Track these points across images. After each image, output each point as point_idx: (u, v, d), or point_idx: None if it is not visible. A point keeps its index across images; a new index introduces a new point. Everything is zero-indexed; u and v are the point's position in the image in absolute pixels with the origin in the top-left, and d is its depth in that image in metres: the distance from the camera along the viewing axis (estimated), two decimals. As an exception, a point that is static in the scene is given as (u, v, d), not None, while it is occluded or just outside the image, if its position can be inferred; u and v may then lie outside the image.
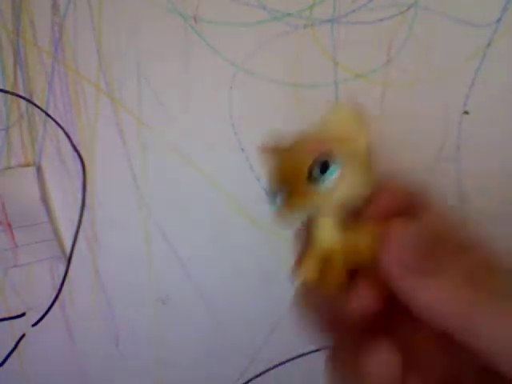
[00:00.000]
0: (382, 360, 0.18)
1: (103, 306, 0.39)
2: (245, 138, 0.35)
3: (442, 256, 0.18)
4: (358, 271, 0.20)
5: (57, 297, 0.39)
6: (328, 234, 0.21)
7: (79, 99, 0.36)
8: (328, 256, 0.21)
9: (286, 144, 0.22)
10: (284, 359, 0.39)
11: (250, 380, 0.40)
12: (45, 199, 0.37)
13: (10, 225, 0.37)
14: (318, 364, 0.39)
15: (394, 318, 0.20)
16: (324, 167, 0.20)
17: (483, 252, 0.19)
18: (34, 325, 0.40)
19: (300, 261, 0.21)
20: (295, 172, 0.20)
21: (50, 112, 0.36)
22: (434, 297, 0.18)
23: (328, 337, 0.22)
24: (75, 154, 0.37)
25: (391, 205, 0.21)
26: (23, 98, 0.36)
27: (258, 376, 0.40)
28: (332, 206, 0.20)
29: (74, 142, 0.36)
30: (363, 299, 0.19)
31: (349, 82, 0.33)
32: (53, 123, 0.36)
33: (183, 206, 0.37)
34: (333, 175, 0.20)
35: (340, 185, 0.20)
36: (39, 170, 0.37)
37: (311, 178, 0.20)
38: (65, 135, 0.36)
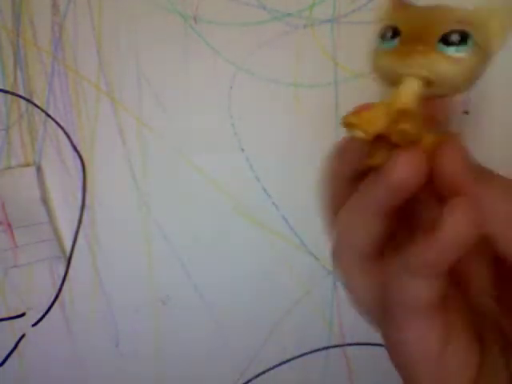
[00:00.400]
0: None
1: (103, 306, 0.39)
2: (245, 138, 0.35)
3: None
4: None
5: (57, 297, 0.39)
6: (412, 94, 0.19)
7: (79, 99, 0.36)
8: (403, 112, 0.19)
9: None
10: (284, 359, 0.39)
11: (250, 380, 0.40)
12: (45, 199, 0.37)
13: (10, 225, 0.37)
14: (317, 364, 0.39)
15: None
16: (462, 38, 0.18)
17: None
18: (34, 325, 0.40)
19: (367, 110, 0.19)
20: (426, 27, 0.18)
21: (50, 112, 0.36)
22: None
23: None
24: (75, 154, 0.37)
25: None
26: (23, 98, 0.36)
27: (257, 376, 0.40)
28: (448, 76, 0.18)
29: (74, 142, 0.36)
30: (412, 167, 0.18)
31: (349, 82, 0.33)
32: (53, 123, 0.36)
33: (183, 206, 0.37)
34: (467, 49, 0.18)
35: (466, 64, 0.18)
36: (39, 170, 0.37)
37: (445, 41, 0.18)
38: (65, 135, 0.36)
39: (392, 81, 0.20)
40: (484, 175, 0.19)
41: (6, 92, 0.36)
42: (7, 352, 0.40)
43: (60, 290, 0.39)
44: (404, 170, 0.18)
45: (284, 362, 0.39)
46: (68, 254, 0.38)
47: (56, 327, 0.40)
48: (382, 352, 0.38)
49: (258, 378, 0.40)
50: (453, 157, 0.18)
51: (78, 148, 0.37)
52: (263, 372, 0.40)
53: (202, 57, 0.34)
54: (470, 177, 0.18)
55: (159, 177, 0.37)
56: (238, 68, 0.34)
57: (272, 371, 0.39)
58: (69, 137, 0.36)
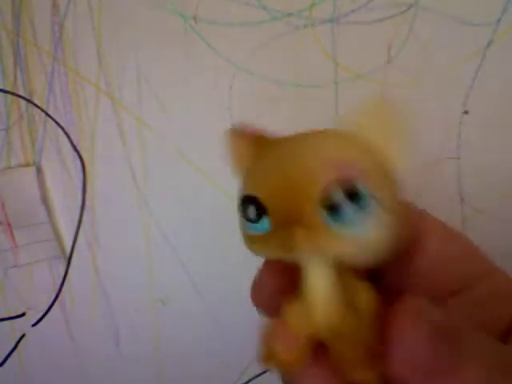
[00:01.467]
0: None
1: (103, 306, 0.39)
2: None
3: (465, 342, 0.14)
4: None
5: (57, 297, 0.39)
6: (329, 301, 0.14)
7: (79, 99, 0.36)
8: (325, 335, 0.14)
9: (281, 139, 0.15)
10: (284, 359, 0.39)
11: (250, 380, 0.40)
12: (45, 199, 0.37)
13: (10, 225, 0.37)
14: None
15: None
16: (350, 195, 0.12)
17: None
18: (34, 325, 0.40)
19: (279, 335, 0.15)
20: (297, 192, 0.13)
21: (50, 112, 0.36)
22: None
23: None
24: (75, 154, 0.37)
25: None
26: (23, 98, 0.36)
27: (257, 376, 0.40)
28: (351, 257, 0.13)
29: (74, 141, 0.36)
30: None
31: (349, 82, 0.33)
32: (53, 123, 0.36)
33: (183, 205, 0.37)
34: (364, 208, 0.12)
35: (370, 227, 0.13)
36: (39, 170, 0.37)
37: (329, 207, 0.12)
38: (65, 135, 0.36)
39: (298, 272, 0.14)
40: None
41: (6, 92, 0.36)
42: (7, 352, 0.40)
43: (60, 290, 0.39)
44: None
45: (284, 362, 0.39)
46: (68, 254, 0.38)
47: (56, 327, 0.40)
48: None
49: (258, 378, 0.40)
50: (399, 353, 0.13)
51: (78, 148, 0.37)
52: (263, 372, 0.40)
53: (201, 57, 0.34)
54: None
55: (159, 177, 0.37)
56: (237, 68, 0.34)
57: (272, 371, 0.39)
58: (69, 137, 0.36)
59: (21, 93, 0.36)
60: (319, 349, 0.14)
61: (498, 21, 0.31)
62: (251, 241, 0.15)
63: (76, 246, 0.38)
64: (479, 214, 0.34)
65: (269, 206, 0.13)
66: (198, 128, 0.35)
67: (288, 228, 0.13)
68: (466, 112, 0.33)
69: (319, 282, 0.14)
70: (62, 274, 0.39)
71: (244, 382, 0.40)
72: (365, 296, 0.14)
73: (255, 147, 0.16)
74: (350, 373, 0.13)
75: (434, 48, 0.32)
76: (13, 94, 0.36)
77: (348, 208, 0.12)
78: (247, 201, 0.14)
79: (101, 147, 0.36)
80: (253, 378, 0.40)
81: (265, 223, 0.13)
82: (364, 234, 0.13)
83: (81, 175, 0.37)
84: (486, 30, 0.31)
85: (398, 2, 0.32)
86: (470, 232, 0.35)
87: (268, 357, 0.15)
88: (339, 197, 0.12)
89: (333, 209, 0.12)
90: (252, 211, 0.14)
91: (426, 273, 0.16)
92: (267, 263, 0.17)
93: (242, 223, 0.15)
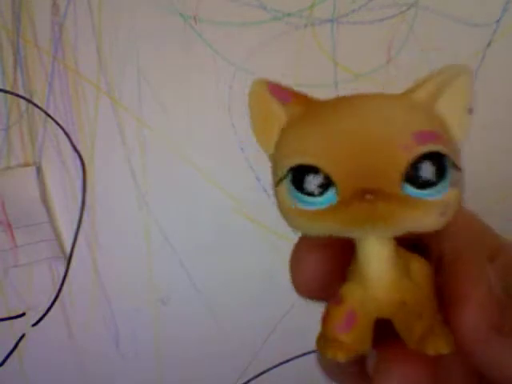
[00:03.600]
0: None
1: (103, 305, 0.39)
2: (245, 138, 0.35)
3: None
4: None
5: (57, 297, 0.39)
6: (391, 276, 0.13)
7: (79, 99, 0.36)
8: (390, 311, 0.13)
9: (329, 101, 0.13)
10: (284, 359, 0.39)
11: (250, 380, 0.40)
12: (45, 199, 0.37)
13: (10, 225, 0.37)
14: (317, 364, 0.39)
15: None
16: (438, 166, 0.12)
17: None
18: (34, 325, 0.40)
19: (338, 323, 0.13)
20: (375, 163, 0.11)
21: (50, 112, 0.36)
22: None
23: None
24: (75, 154, 0.37)
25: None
26: (23, 97, 0.36)
27: (257, 376, 0.40)
28: (427, 226, 0.12)
29: (74, 141, 0.36)
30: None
31: (349, 82, 0.33)
32: (53, 123, 0.36)
33: (183, 205, 0.37)
34: (447, 179, 0.12)
35: (450, 204, 0.13)
36: (39, 170, 0.37)
37: (413, 181, 0.11)
38: (65, 135, 0.36)
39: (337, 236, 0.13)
40: None
41: (6, 92, 0.36)
42: (7, 352, 0.40)
43: (60, 289, 0.39)
44: None
45: (284, 362, 0.39)
46: (68, 254, 0.38)
47: (56, 327, 0.40)
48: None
49: (258, 378, 0.40)
50: (471, 316, 0.13)
51: (78, 148, 0.37)
52: (263, 372, 0.40)
53: (201, 57, 0.34)
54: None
55: (159, 177, 0.37)
56: (237, 68, 0.34)
57: (272, 371, 0.39)
58: (69, 137, 0.36)
59: (21, 93, 0.36)
60: (386, 332, 0.14)
61: (498, 21, 0.31)
62: (306, 217, 0.12)
63: (76, 246, 0.38)
64: (479, 214, 0.34)
65: (336, 176, 0.11)
66: (198, 128, 0.35)
67: (362, 199, 0.11)
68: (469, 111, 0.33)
69: (380, 256, 0.13)
70: (62, 274, 0.39)
71: (244, 382, 0.40)
72: (420, 265, 0.14)
73: (291, 106, 0.13)
74: (424, 347, 0.13)
75: (434, 48, 0.32)
76: (13, 93, 0.36)
77: (434, 178, 0.12)
78: (303, 171, 0.12)
79: (101, 147, 0.36)
80: (253, 378, 0.40)
81: (330, 195, 0.12)
82: (444, 199, 0.12)
83: (81, 175, 0.37)
84: (486, 30, 0.31)
85: (398, 1, 0.32)
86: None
87: (330, 345, 0.13)
88: (427, 171, 0.12)
89: (417, 179, 0.12)
90: (313, 182, 0.12)
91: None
92: (308, 241, 0.15)
93: (288, 198, 0.12)
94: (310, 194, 0.12)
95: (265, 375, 0.40)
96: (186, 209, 0.37)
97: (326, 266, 0.15)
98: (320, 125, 0.12)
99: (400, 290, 0.13)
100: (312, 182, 0.12)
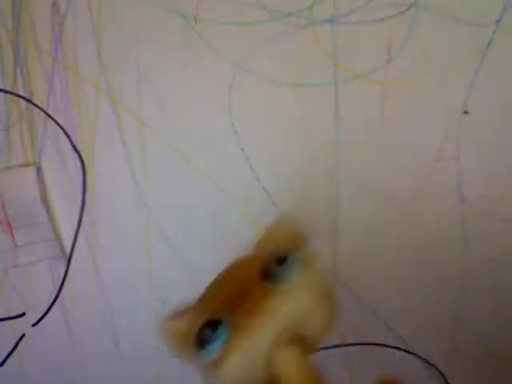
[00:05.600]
0: None
1: (103, 305, 0.39)
2: (245, 138, 0.35)
3: None
4: None
5: (57, 297, 0.39)
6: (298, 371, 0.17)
7: (79, 99, 0.36)
8: None
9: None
10: (284, 359, 0.39)
11: (250, 380, 0.40)
12: (45, 199, 0.37)
13: (10, 225, 0.37)
14: (317, 364, 0.39)
15: None
16: (280, 261, 0.17)
17: None
18: (34, 325, 0.40)
19: None
20: (240, 288, 0.16)
21: (50, 112, 0.36)
22: None
23: None
24: (75, 154, 0.37)
25: None
26: (23, 97, 0.36)
27: (258, 376, 0.40)
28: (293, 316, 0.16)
29: (74, 141, 0.36)
30: None
31: (349, 82, 0.33)
32: (53, 123, 0.36)
33: (183, 205, 0.37)
34: (293, 266, 0.17)
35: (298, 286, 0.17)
36: (39, 170, 0.37)
37: (269, 274, 0.16)
38: (65, 135, 0.36)
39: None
40: None
41: (6, 92, 0.36)
42: (7, 352, 0.40)
43: (60, 289, 0.39)
44: None
45: (284, 362, 0.39)
46: (68, 254, 0.38)
47: (56, 327, 0.40)
48: (382, 352, 0.38)
49: (258, 378, 0.40)
50: None
51: (78, 148, 0.37)
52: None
53: (201, 57, 0.34)
54: None
55: (159, 177, 0.37)
56: (237, 68, 0.34)
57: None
58: (69, 137, 0.36)
59: (21, 93, 0.36)
60: None
61: (498, 21, 0.31)
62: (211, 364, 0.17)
63: (76, 245, 0.38)
64: (479, 214, 0.34)
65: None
66: (198, 128, 0.35)
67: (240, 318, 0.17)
68: (466, 112, 0.33)
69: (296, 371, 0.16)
70: (62, 274, 0.39)
71: (244, 382, 0.40)
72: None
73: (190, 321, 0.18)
74: None
75: (434, 48, 0.32)
76: (13, 93, 0.36)
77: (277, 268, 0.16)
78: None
79: (101, 147, 0.36)
80: (253, 378, 0.40)
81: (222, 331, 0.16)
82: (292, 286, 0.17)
83: (81, 175, 0.37)
84: (486, 30, 0.31)
85: (398, 1, 0.32)
86: (470, 232, 0.35)
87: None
88: (273, 265, 0.16)
89: (272, 271, 0.16)
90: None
91: None
92: None
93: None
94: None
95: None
96: (185, 209, 0.37)
97: None
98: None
99: None
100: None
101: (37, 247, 0.38)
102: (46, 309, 0.39)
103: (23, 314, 0.40)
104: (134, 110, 0.36)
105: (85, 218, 0.38)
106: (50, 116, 0.36)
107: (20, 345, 0.40)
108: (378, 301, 0.36)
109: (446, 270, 0.36)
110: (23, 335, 0.40)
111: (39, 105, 0.36)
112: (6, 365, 0.41)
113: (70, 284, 0.39)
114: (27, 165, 0.37)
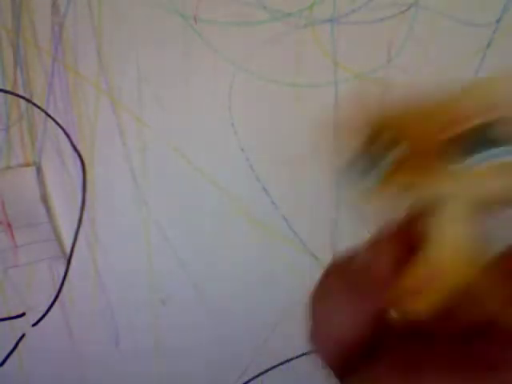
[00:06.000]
0: None
1: (103, 306, 0.39)
2: (245, 138, 0.35)
3: None
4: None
5: (57, 297, 0.39)
6: (464, 247, 0.13)
7: (79, 99, 0.36)
8: (459, 284, 0.13)
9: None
10: (284, 359, 0.39)
11: (250, 380, 0.40)
12: (45, 199, 0.37)
13: (10, 225, 0.37)
14: (317, 364, 0.39)
15: None
16: (488, 140, 0.12)
17: None
18: (34, 325, 0.40)
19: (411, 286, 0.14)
20: (426, 133, 0.13)
21: (50, 112, 0.36)
22: None
23: None
24: (75, 154, 0.37)
25: None
26: (23, 97, 0.36)
27: (258, 376, 0.40)
28: (480, 202, 0.13)
29: (74, 141, 0.36)
30: None
31: (349, 82, 0.33)
32: (53, 123, 0.36)
33: (183, 205, 0.37)
34: (501, 154, 0.12)
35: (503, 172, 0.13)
36: (39, 170, 0.37)
37: (464, 150, 0.12)
38: (65, 135, 0.36)
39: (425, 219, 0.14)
40: None
41: (6, 92, 0.36)
42: (7, 352, 0.40)
43: (60, 289, 0.39)
44: None
45: (284, 362, 0.39)
46: (68, 254, 0.38)
47: (56, 327, 0.40)
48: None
49: (258, 378, 0.40)
50: None
51: (78, 148, 0.37)
52: (263, 372, 0.40)
53: (201, 57, 0.34)
54: None
55: (159, 177, 0.37)
56: (237, 68, 0.34)
57: (272, 371, 0.39)
58: (69, 137, 0.36)
59: (21, 93, 0.36)
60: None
61: (498, 21, 0.31)
62: (366, 193, 0.14)
63: (76, 245, 0.38)
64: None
65: (409, 136, 0.13)
66: (198, 128, 0.35)
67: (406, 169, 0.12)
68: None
69: (461, 228, 0.13)
70: (62, 274, 0.39)
71: (244, 381, 0.40)
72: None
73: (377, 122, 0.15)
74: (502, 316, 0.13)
75: (434, 48, 0.32)
76: (13, 93, 0.36)
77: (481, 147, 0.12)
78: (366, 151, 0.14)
79: (101, 147, 0.36)
80: (253, 378, 0.40)
81: (384, 166, 0.13)
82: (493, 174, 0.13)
83: (81, 175, 0.37)
84: (486, 30, 0.31)
85: (398, 1, 0.32)
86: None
87: (411, 298, 0.14)
88: (477, 139, 0.12)
89: (489, 142, 0.12)
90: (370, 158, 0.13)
91: None
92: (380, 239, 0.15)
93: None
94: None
95: (265, 375, 0.40)
96: (185, 209, 0.37)
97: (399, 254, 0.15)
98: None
99: (476, 265, 0.13)
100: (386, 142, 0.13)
101: (37, 247, 0.38)
102: (45, 309, 0.39)
103: (23, 314, 0.40)
104: (134, 109, 0.35)
105: (85, 218, 0.38)
106: (50, 116, 0.36)
107: (20, 345, 0.40)
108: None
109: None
110: (23, 335, 0.40)
111: (39, 105, 0.36)
112: (5, 365, 0.41)
113: (70, 284, 0.39)
114: (27, 165, 0.37)
